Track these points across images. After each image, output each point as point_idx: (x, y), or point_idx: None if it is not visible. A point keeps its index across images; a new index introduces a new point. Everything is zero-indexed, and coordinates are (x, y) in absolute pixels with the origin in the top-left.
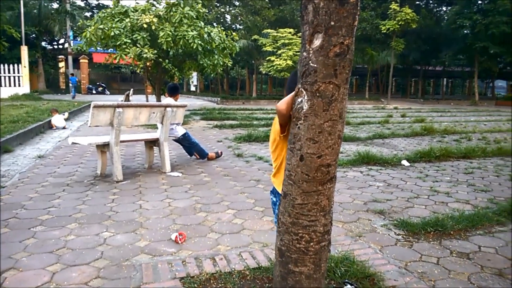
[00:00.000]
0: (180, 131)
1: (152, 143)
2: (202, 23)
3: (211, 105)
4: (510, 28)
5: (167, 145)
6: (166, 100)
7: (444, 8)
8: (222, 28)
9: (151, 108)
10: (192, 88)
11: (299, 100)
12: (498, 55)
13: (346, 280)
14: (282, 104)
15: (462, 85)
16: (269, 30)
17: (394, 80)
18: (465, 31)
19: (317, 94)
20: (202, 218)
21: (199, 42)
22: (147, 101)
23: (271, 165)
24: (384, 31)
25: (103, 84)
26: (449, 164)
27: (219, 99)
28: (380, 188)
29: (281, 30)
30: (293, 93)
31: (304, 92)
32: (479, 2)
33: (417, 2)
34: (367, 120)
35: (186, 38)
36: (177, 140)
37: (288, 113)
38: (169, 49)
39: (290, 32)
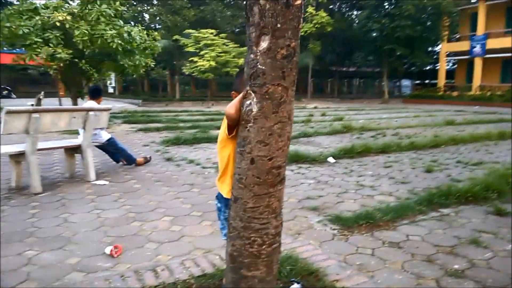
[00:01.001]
0: (104, 136)
1: (73, 150)
2: (121, 22)
3: (132, 108)
4: (414, 32)
5: (90, 152)
6: (88, 103)
7: (355, 12)
8: (143, 27)
9: (71, 113)
10: (110, 90)
11: (248, 102)
12: (404, 57)
13: (293, 279)
14: (231, 108)
15: (373, 85)
16: (190, 31)
17: (312, 80)
18: (375, 34)
19: (266, 97)
20: (137, 228)
21: (119, 41)
22: (60, 104)
23: (203, 168)
24: (302, 34)
25: (8, 88)
26: (370, 159)
27: (140, 101)
28: (311, 185)
29: (203, 30)
30: (240, 95)
31: (253, 95)
32: (386, 6)
33: (331, 7)
34: None
35: (105, 37)
36: (102, 146)
37: (238, 116)
38: (85, 49)
39: (212, 33)
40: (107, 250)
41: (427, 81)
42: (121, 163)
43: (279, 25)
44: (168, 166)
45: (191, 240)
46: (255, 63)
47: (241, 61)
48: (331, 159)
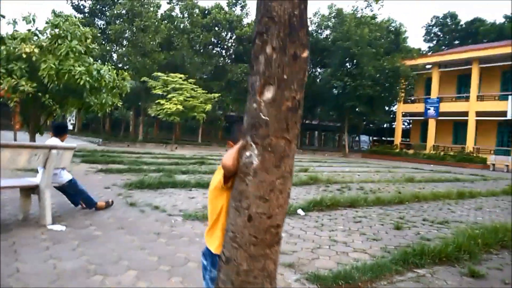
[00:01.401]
0: (65, 177)
1: (30, 190)
2: (91, 59)
3: (92, 147)
4: (373, 91)
5: (49, 193)
6: (51, 140)
7: (319, 70)
8: (112, 66)
9: (32, 150)
10: (69, 127)
11: (248, 154)
12: (364, 114)
13: None
14: (228, 159)
15: (333, 138)
16: (159, 74)
17: None
18: (337, 91)
19: (269, 149)
20: (98, 283)
21: (87, 78)
22: (15, 139)
23: (170, 215)
24: None
25: None
26: (339, 213)
27: (101, 140)
28: (284, 239)
29: (172, 74)
30: (237, 146)
31: (254, 146)
32: (348, 66)
33: None
34: None
35: (72, 73)
36: (61, 188)
37: (235, 168)
38: (50, 84)
39: (181, 77)
40: None
41: (384, 138)
42: (79, 206)
43: (285, 76)
44: (131, 212)
45: None
46: (257, 113)
47: (209, 106)
48: (300, 212)
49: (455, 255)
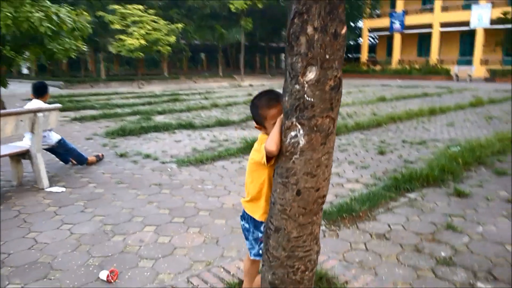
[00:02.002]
0: (54, 137)
1: (20, 156)
2: (49, 2)
3: (55, 91)
4: None
5: (41, 157)
6: (34, 103)
7: None
8: (72, 8)
9: (17, 116)
10: (25, 71)
11: (293, 134)
12: None
13: None
14: (272, 145)
15: None
16: (115, 6)
17: (244, 57)
18: None
19: (315, 129)
20: (121, 243)
21: (47, 24)
22: None
23: (164, 163)
24: (233, 10)
25: None
26: None
27: (62, 83)
28: None
29: (130, 6)
30: (276, 129)
31: (300, 127)
32: None
33: None
34: (232, 101)
35: (31, 20)
36: (51, 149)
37: (278, 151)
38: (8, 33)
39: (139, 9)
40: (103, 275)
41: (350, 56)
42: (70, 163)
43: (327, 56)
44: (124, 164)
45: (186, 253)
46: (301, 95)
47: (173, 38)
48: None
49: (440, 177)
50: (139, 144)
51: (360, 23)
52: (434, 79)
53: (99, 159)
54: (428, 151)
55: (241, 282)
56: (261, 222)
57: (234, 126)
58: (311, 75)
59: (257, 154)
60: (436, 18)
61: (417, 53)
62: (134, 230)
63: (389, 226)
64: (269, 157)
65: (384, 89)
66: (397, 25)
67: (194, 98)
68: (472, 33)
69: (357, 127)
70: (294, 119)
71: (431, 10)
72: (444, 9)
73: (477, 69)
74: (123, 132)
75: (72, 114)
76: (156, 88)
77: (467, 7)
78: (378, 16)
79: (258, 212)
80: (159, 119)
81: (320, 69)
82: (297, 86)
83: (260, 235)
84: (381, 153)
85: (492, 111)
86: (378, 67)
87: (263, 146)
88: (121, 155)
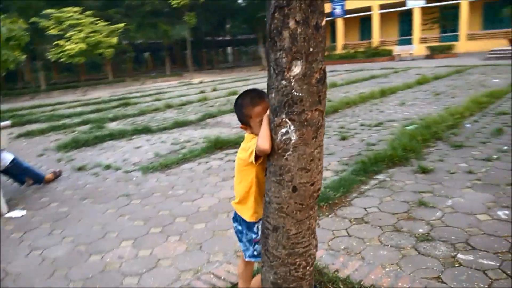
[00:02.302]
0: (7, 158)
1: None
2: None
3: None
4: None
5: None
6: None
7: None
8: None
9: None
10: None
11: (284, 131)
12: None
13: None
14: (265, 143)
15: (248, 52)
16: (50, 10)
17: (190, 53)
18: (245, 3)
19: (305, 123)
20: (100, 262)
21: None
22: None
23: (127, 172)
24: (175, 6)
25: None
26: None
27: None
28: None
29: (65, 9)
30: (266, 127)
31: (290, 123)
32: None
33: None
34: (186, 100)
35: None
36: (4, 171)
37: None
38: None
39: (76, 11)
40: None
41: None
42: (25, 184)
43: (311, 49)
44: (85, 178)
45: (171, 263)
46: (289, 90)
47: (114, 40)
48: None
49: (403, 156)
50: (96, 155)
51: None
52: (378, 60)
53: (56, 176)
54: (387, 132)
55: (234, 285)
56: (254, 223)
57: (193, 126)
58: (296, 69)
59: (245, 153)
60: (375, 1)
61: (360, 36)
62: (111, 247)
63: (365, 209)
64: (257, 156)
65: (334, 75)
66: (338, 10)
67: (145, 101)
68: (409, 13)
69: None
70: (284, 116)
71: None
72: None
73: (417, 48)
74: (76, 144)
75: (16, 130)
76: (102, 93)
77: None
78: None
79: (248, 213)
80: (113, 126)
81: (306, 62)
82: (283, 82)
83: (253, 236)
84: (343, 138)
85: (438, 87)
86: (325, 53)
87: (251, 144)
88: (80, 169)
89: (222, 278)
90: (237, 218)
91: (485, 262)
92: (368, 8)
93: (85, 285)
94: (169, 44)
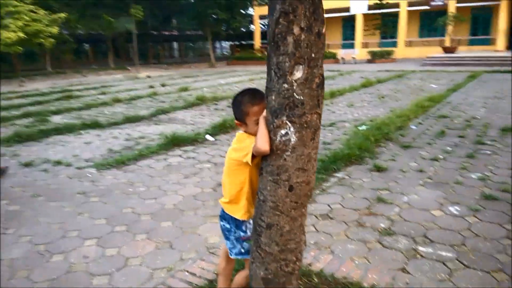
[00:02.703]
0: None
1: None
2: None
3: None
4: None
5: None
6: None
7: None
8: None
9: None
10: None
11: (283, 132)
12: (225, 20)
13: None
14: (265, 144)
15: (195, 48)
16: None
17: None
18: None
19: (305, 125)
20: (63, 262)
21: None
22: None
23: (79, 168)
24: None
25: None
26: None
27: None
28: (212, 170)
29: None
30: (264, 128)
31: (290, 124)
32: None
33: None
34: (135, 94)
35: None
36: None
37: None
38: None
39: None
40: None
41: (244, 43)
42: None
43: (313, 55)
44: (34, 174)
45: (141, 262)
46: (290, 93)
47: (55, 30)
48: (209, 137)
49: (359, 155)
50: (43, 150)
51: (251, 10)
52: (324, 62)
53: (2, 172)
54: (340, 132)
55: (210, 282)
56: (243, 221)
57: (145, 122)
58: (298, 74)
59: (237, 153)
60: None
61: None
62: (73, 246)
63: (329, 206)
64: (253, 156)
65: None
66: None
67: (89, 94)
68: (353, 18)
69: None
70: (284, 118)
71: None
72: None
73: (360, 52)
74: (19, 138)
75: None
76: (40, 85)
77: None
78: (266, 3)
79: (239, 212)
80: (57, 119)
81: (308, 67)
82: (285, 85)
83: (241, 234)
84: None
85: (382, 91)
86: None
87: (246, 145)
88: (27, 165)
89: (198, 275)
90: (225, 217)
91: (444, 253)
92: None
93: (51, 285)
94: (112, 36)
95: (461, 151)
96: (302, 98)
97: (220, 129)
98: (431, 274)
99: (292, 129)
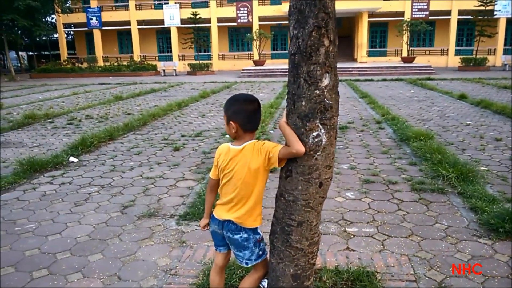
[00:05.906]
0: None
1: None
2: None
3: None
4: (34, 1)
5: None
6: None
7: None
8: None
9: None
10: None
11: (315, 134)
12: (27, 28)
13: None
14: (301, 145)
15: None
16: None
17: None
18: None
19: (332, 127)
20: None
21: None
22: None
23: None
24: None
25: None
26: (107, 149)
27: None
28: (101, 193)
29: None
30: (292, 133)
31: (321, 127)
32: None
33: None
34: None
35: None
36: None
37: None
38: None
39: None
40: None
41: (49, 53)
42: None
43: (337, 64)
44: None
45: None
46: (322, 98)
47: None
48: (73, 159)
49: None
50: None
51: (54, 18)
52: (145, 75)
53: None
54: (212, 141)
55: None
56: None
57: None
58: (326, 81)
59: (258, 162)
60: (133, 16)
61: (119, 50)
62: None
63: None
64: (282, 160)
65: (108, 87)
66: (94, 21)
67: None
68: (168, 31)
69: (126, 128)
70: (317, 121)
71: (126, 7)
72: (139, 7)
73: (179, 64)
74: None
75: None
76: None
77: (159, 6)
78: (71, 11)
79: (256, 221)
80: None
81: (333, 75)
82: (317, 92)
83: (257, 237)
84: (176, 149)
85: (220, 100)
86: (85, 65)
87: (267, 151)
88: None
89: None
90: (240, 228)
91: (367, 230)
92: (127, 22)
93: None
94: None
95: None
96: (330, 102)
97: (82, 148)
98: (371, 247)
99: (323, 130)
